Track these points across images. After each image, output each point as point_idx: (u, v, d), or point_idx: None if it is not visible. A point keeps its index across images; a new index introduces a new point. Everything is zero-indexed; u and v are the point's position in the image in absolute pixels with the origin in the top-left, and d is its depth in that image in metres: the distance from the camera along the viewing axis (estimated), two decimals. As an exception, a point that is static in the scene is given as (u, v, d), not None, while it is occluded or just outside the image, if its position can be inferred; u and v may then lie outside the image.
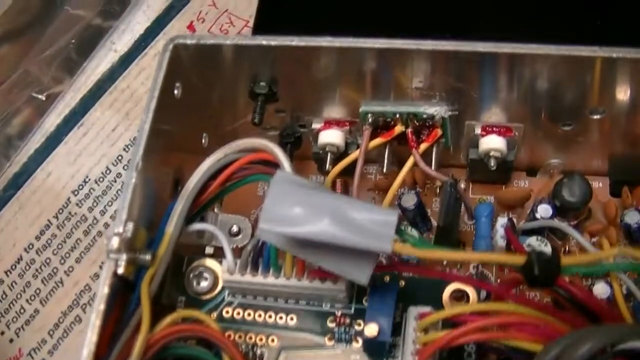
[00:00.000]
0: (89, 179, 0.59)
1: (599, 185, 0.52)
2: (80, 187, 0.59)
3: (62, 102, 0.61)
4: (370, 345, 0.41)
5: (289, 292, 0.42)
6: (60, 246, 0.57)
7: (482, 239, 0.48)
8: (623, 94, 0.45)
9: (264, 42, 0.44)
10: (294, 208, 0.36)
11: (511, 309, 0.39)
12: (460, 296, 0.43)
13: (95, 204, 0.58)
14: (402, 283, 0.43)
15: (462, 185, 0.52)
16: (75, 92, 0.61)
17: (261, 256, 0.42)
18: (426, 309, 0.40)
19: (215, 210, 0.49)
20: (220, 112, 0.49)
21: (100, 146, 0.60)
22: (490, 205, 0.49)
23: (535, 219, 0.48)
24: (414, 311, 0.40)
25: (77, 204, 0.58)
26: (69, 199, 0.59)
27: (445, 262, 0.49)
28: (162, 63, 0.44)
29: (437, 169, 0.48)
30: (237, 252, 0.45)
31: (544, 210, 0.48)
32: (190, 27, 0.62)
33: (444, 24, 0.53)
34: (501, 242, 0.47)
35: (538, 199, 0.49)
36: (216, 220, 0.48)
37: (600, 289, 0.46)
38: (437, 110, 0.46)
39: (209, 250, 0.47)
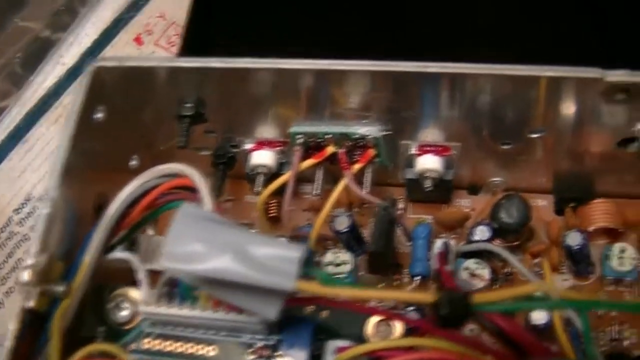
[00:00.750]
0: (32, 197, 0.58)
1: (544, 203, 0.50)
2: (23, 205, 0.58)
3: (7, 117, 0.60)
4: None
5: (207, 324, 0.41)
6: (1, 267, 0.56)
7: (418, 262, 0.47)
8: (566, 113, 0.43)
9: (186, 64, 0.43)
10: (196, 244, 0.35)
11: (433, 344, 0.37)
12: (387, 329, 0.41)
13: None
14: (324, 314, 0.42)
15: (402, 205, 0.50)
16: (21, 107, 0.60)
17: (176, 287, 0.41)
18: (345, 343, 0.39)
19: (150, 232, 0.48)
20: (151, 132, 0.48)
21: (44, 162, 0.59)
22: (427, 227, 0.47)
23: (473, 241, 0.47)
24: (332, 345, 0.39)
25: (18, 223, 0.57)
26: (10, 217, 0.58)
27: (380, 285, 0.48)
28: (81, 87, 0.43)
29: (372, 190, 0.47)
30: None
31: (482, 232, 0.47)
32: (138, 39, 0.61)
33: (384, 43, 0.51)
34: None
35: (477, 220, 0.48)
36: (149, 242, 0.47)
37: (539, 315, 0.45)
38: (369, 130, 0.45)
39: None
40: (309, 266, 0.36)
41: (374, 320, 0.41)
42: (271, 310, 0.36)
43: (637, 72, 0.40)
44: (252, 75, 0.43)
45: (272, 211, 0.50)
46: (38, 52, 0.61)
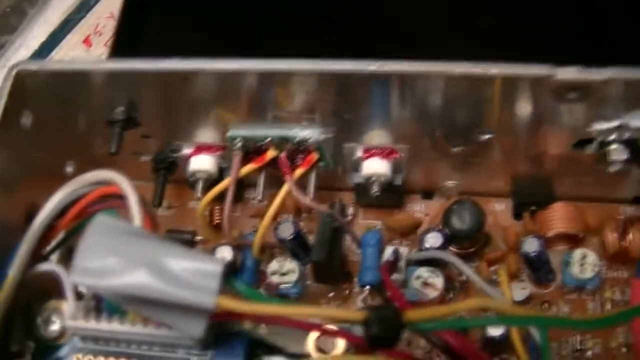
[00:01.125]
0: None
1: (501, 207, 0.48)
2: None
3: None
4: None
5: (138, 339, 0.39)
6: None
7: (367, 270, 0.44)
8: (520, 113, 0.41)
9: (111, 66, 0.41)
10: (109, 258, 0.33)
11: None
12: (330, 345, 0.39)
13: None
14: (263, 327, 0.39)
15: (352, 210, 0.48)
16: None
17: (102, 300, 0.39)
18: (279, 360, 0.37)
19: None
20: (84, 137, 0.46)
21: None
22: (377, 233, 0.45)
23: (424, 248, 0.44)
24: (269, 370, 0.37)
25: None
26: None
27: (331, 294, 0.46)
28: (2, 91, 0.41)
29: (322, 194, 0.45)
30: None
31: (434, 239, 0.44)
32: (87, 41, 0.59)
33: (333, 42, 0.49)
34: (390, 273, 0.43)
35: (430, 226, 0.45)
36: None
37: (494, 327, 0.42)
38: (310, 133, 0.43)
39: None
40: (234, 280, 0.34)
41: (313, 335, 0.39)
42: (196, 328, 0.34)
43: (588, 69, 0.38)
44: (187, 77, 0.41)
45: (216, 218, 0.48)
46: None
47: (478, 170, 0.46)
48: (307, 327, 0.38)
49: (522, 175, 0.46)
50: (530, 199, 0.47)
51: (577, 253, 0.45)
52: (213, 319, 0.35)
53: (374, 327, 0.32)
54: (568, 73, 0.38)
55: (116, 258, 0.33)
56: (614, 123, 0.40)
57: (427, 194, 0.48)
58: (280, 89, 0.41)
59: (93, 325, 0.38)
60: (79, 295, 0.40)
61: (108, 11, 0.59)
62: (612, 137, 0.41)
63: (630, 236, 0.45)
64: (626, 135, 0.41)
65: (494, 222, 0.47)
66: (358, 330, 0.34)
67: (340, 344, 0.38)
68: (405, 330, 0.32)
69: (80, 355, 0.40)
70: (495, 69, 0.38)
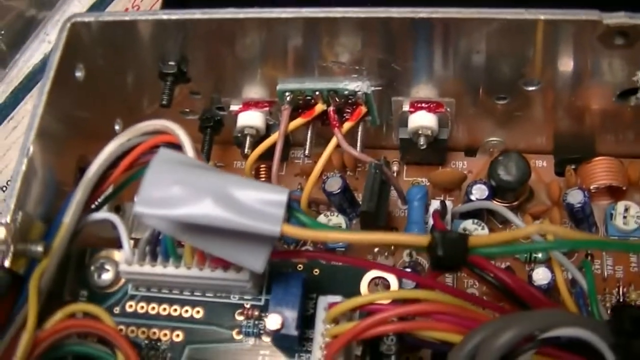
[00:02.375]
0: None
1: (543, 164, 0.48)
2: (9, 182, 0.56)
3: (-6, 95, 0.58)
4: (279, 339, 0.38)
5: (193, 283, 0.39)
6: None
7: (414, 224, 0.45)
8: (564, 62, 0.42)
9: (165, 17, 0.41)
10: (173, 188, 0.33)
11: (430, 297, 0.35)
12: (384, 285, 0.39)
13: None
14: (317, 272, 0.40)
15: (396, 168, 0.48)
16: (7, 85, 0.59)
17: (159, 245, 0.39)
18: (337, 298, 0.37)
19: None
20: (135, 95, 0.47)
21: (29, 140, 0.57)
22: (423, 188, 0.45)
23: (470, 200, 0.45)
24: (323, 301, 0.37)
25: (4, 201, 0.55)
26: (-4, 195, 0.56)
27: (376, 250, 0.46)
28: (58, 43, 0.41)
29: (366, 150, 0.45)
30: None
31: (479, 191, 0.45)
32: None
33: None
34: (436, 226, 0.44)
35: (474, 180, 0.46)
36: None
37: (541, 275, 0.43)
38: (358, 85, 0.43)
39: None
40: (296, 210, 0.35)
41: (368, 276, 0.39)
42: (257, 262, 0.35)
43: (637, 14, 0.39)
44: (235, 27, 0.41)
45: (262, 176, 0.48)
46: (23, 31, 0.60)
47: (521, 127, 0.47)
48: (364, 264, 0.39)
49: (564, 132, 0.47)
50: (572, 155, 0.47)
51: (620, 205, 0.45)
52: (272, 256, 0.36)
53: (439, 249, 0.32)
54: (616, 18, 0.39)
55: (181, 188, 0.33)
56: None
57: (470, 151, 0.49)
58: (327, 39, 0.42)
59: (148, 269, 0.39)
60: (133, 243, 0.41)
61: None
62: (657, 86, 0.41)
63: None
64: (671, 83, 0.41)
65: (537, 178, 0.47)
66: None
67: (394, 284, 0.39)
68: (468, 254, 0.33)
69: (132, 303, 0.41)
70: (543, 15, 0.39)
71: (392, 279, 0.38)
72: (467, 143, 0.48)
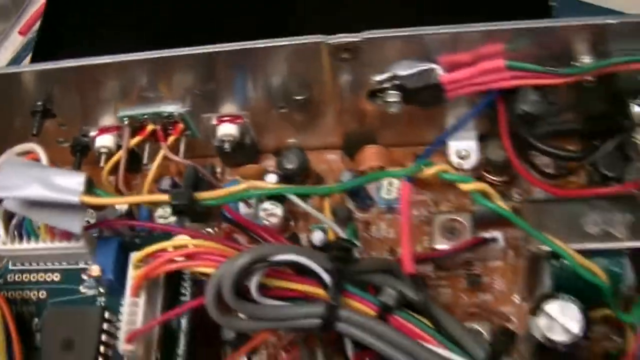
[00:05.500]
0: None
1: (334, 157, 0.63)
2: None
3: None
4: (108, 286, 0.53)
5: (50, 255, 0.55)
6: None
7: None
8: (317, 76, 0.56)
9: (26, 69, 0.58)
10: (16, 178, 0.49)
11: (194, 242, 0.50)
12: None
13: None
14: (139, 240, 0.55)
15: (219, 170, 0.64)
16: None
17: (23, 227, 0.55)
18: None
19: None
20: (22, 127, 0.61)
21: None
22: (235, 182, 0.60)
23: (268, 186, 0.60)
24: (132, 256, 0.52)
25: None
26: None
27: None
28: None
29: (196, 159, 0.61)
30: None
31: (272, 179, 0.59)
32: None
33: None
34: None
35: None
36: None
37: (317, 236, 0.57)
38: (173, 108, 0.59)
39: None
40: (96, 189, 0.51)
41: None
42: (75, 224, 0.50)
43: (353, 34, 0.54)
44: (79, 73, 0.56)
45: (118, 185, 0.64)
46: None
47: (312, 130, 0.61)
48: (167, 230, 0.54)
49: (347, 131, 0.61)
50: (356, 149, 0.62)
51: (385, 180, 0.60)
52: (94, 226, 0.51)
53: (175, 200, 0.48)
54: (337, 38, 0.54)
55: (20, 177, 0.49)
56: (386, 75, 0.55)
57: (278, 152, 0.63)
58: (149, 76, 0.57)
59: (17, 246, 0.55)
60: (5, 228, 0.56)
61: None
62: (388, 85, 0.56)
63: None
64: (396, 82, 0.56)
65: (329, 168, 0.62)
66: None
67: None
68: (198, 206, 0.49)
69: (12, 275, 0.56)
70: (277, 43, 0.53)
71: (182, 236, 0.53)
72: (274, 145, 0.63)
